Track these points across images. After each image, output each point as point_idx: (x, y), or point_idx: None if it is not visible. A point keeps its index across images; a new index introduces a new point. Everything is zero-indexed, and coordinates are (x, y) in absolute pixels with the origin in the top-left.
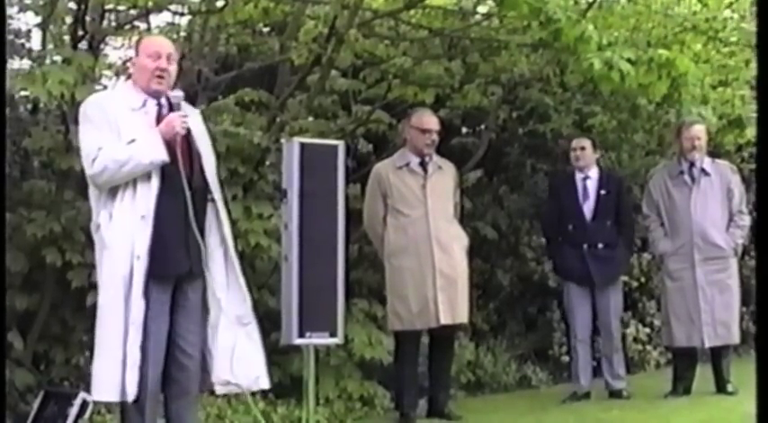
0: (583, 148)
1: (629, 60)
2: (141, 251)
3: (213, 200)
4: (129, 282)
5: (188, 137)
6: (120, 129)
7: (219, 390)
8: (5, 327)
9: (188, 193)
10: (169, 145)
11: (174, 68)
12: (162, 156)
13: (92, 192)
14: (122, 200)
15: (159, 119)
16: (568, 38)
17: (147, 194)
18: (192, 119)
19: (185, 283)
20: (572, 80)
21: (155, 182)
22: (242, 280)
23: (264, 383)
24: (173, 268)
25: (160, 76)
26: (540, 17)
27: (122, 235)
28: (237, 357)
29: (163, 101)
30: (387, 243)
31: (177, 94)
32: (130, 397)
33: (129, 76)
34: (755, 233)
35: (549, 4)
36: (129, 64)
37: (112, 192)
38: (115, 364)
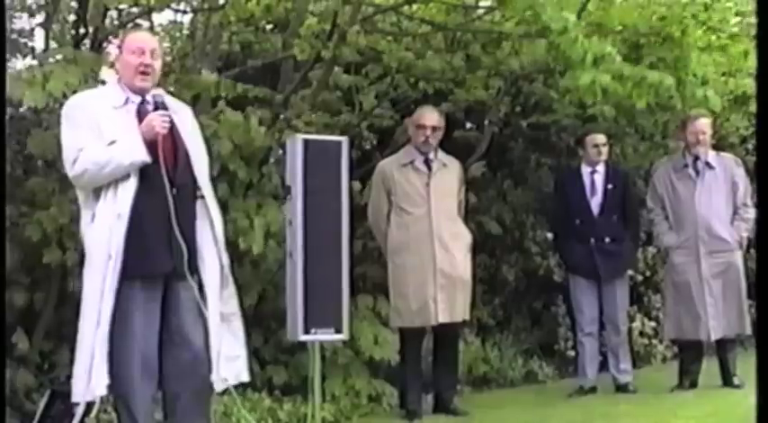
0: (605, 144)
1: (620, 77)
2: (114, 251)
3: (203, 197)
4: (104, 281)
5: (173, 134)
6: (102, 128)
7: (219, 386)
8: (5, 326)
9: (169, 192)
10: (151, 145)
11: (159, 64)
12: (142, 157)
13: (79, 192)
14: (105, 200)
15: (141, 117)
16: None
17: (126, 194)
18: (180, 115)
19: (176, 282)
20: None
21: (133, 181)
22: (231, 278)
23: (245, 377)
24: (154, 267)
25: (144, 73)
26: (538, 23)
27: (100, 235)
28: (224, 354)
29: (149, 98)
30: (390, 240)
31: (158, 92)
32: (97, 395)
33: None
34: (756, 230)
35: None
36: (115, 61)
37: (96, 192)
38: (87, 365)
